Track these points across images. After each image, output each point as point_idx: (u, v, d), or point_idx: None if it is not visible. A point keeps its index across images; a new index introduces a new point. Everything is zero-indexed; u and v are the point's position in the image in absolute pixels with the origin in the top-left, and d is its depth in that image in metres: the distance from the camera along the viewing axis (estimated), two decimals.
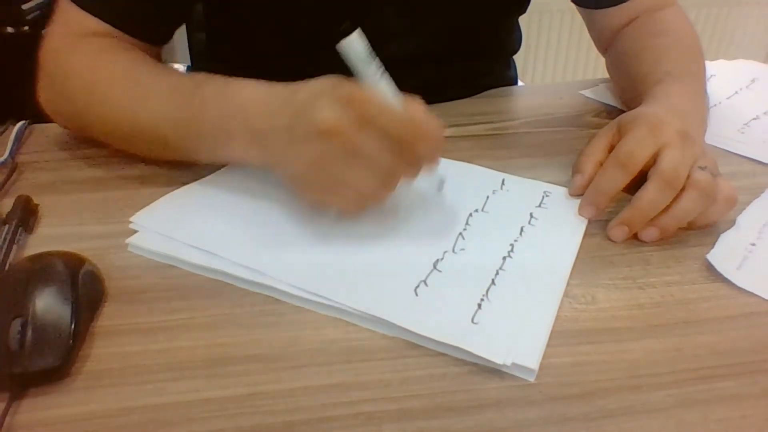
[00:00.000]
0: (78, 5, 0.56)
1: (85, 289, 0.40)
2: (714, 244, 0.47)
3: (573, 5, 0.73)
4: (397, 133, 0.41)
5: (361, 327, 0.39)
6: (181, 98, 0.51)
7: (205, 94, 0.49)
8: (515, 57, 0.86)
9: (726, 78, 0.76)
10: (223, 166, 0.54)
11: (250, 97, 0.47)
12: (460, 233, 0.47)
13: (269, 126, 0.45)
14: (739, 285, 0.43)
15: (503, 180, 0.54)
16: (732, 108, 0.69)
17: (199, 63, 0.97)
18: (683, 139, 0.47)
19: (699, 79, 0.61)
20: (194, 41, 0.98)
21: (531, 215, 0.49)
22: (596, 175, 0.49)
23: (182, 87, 0.52)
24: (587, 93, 0.72)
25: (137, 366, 0.37)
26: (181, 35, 1.06)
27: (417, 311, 0.39)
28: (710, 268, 0.45)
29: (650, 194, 0.46)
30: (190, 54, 1.00)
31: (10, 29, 1.14)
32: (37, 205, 0.50)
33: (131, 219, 0.46)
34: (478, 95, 0.72)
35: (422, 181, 0.46)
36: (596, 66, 1.86)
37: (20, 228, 0.46)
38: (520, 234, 0.47)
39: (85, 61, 0.55)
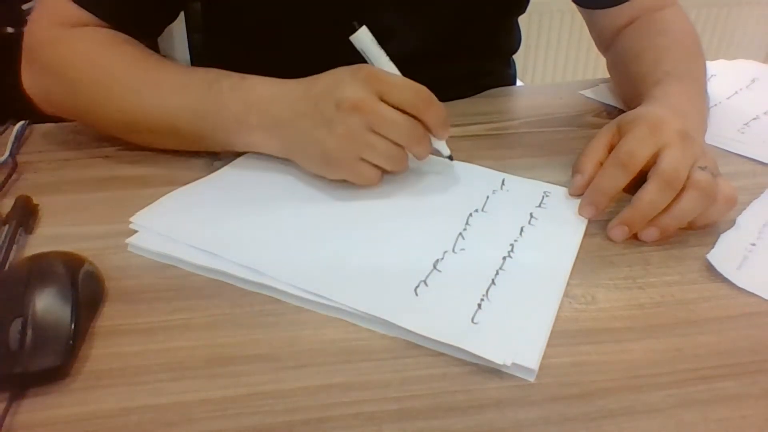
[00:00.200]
0: None
1: (85, 289, 0.39)
2: (714, 244, 0.47)
3: (573, 5, 0.73)
4: (411, 103, 0.48)
5: (361, 327, 0.39)
6: (197, 90, 0.53)
7: (222, 87, 0.52)
8: (515, 57, 0.86)
9: (726, 78, 0.76)
10: (223, 166, 0.55)
11: (268, 90, 0.51)
12: (460, 233, 0.47)
13: (292, 115, 0.50)
14: (739, 285, 0.43)
15: (503, 180, 0.54)
16: (732, 108, 0.69)
17: (199, 63, 0.97)
18: (683, 139, 0.47)
19: (699, 79, 0.61)
20: (194, 41, 0.98)
21: (531, 215, 0.49)
22: (596, 174, 0.49)
23: (197, 79, 0.53)
24: (587, 93, 0.72)
25: (137, 366, 0.37)
26: (180, 35, 1.06)
27: (417, 311, 0.39)
28: (710, 268, 0.45)
29: (650, 194, 0.46)
30: (190, 54, 1.00)
31: (10, 29, 1.14)
32: (37, 205, 0.50)
33: (131, 219, 0.46)
34: (478, 95, 0.72)
35: (435, 161, 0.53)
36: (596, 66, 1.86)
37: (20, 228, 0.46)
38: (520, 234, 0.47)
39: (87, 52, 0.55)
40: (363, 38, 0.50)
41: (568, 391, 0.35)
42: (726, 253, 0.46)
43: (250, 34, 0.70)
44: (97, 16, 0.57)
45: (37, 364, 0.35)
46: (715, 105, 0.69)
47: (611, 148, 0.50)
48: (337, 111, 0.47)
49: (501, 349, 0.37)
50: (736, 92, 0.72)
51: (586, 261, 0.45)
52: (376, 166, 0.50)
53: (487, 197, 0.52)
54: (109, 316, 0.40)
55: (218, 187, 0.52)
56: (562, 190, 0.53)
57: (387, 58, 0.50)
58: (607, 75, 0.74)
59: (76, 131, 0.61)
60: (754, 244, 0.47)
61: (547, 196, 0.52)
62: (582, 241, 0.47)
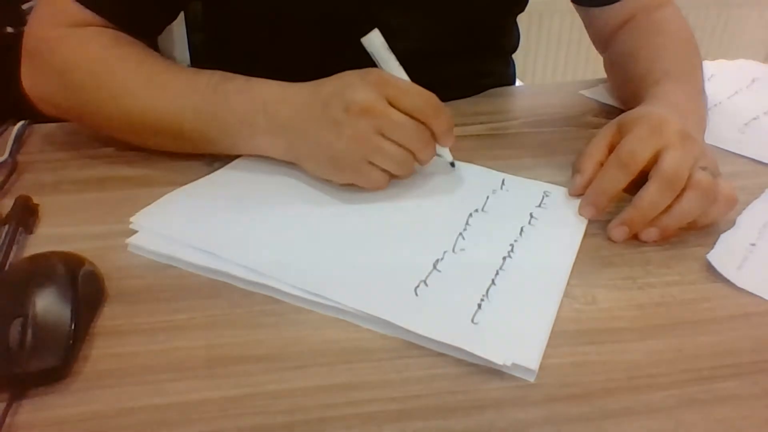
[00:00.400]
0: None
1: (85, 290, 0.39)
2: (714, 244, 0.47)
3: (572, 5, 0.73)
4: (420, 109, 0.48)
5: (361, 327, 0.39)
6: (202, 92, 0.52)
7: (228, 90, 0.52)
8: (515, 56, 0.86)
9: (726, 78, 0.76)
10: (223, 166, 0.54)
11: (274, 93, 0.51)
12: (460, 233, 0.47)
13: (298, 118, 0.49)
14: (739, 285, 0.43)
15: (503, 180, 0.54)
16: (732, 108, 0.69)
17: (199, 63, 0.97)
18: (684, 139, 0.47)
19: (697, 77, 0.61)
20: (194, 41, 0.98)
21: (531, 215, 0.49)
22: (597, 175, 0.49)
23: (202, 82, 0.53)
24: (587, 93, 0.72)
25: (137, 366, 0.37)
26: (181, 35, 1.06)
27: (417, 311, 0.39)
28: (710, 268, 0.45)
29: (651, 195, 0.46)
30: (190, 54, 1.00)
31: (10, 29, 1.14)
32: (37, 205, 0.50)
33: (131, 219, 0.46)
34: (478, 95, 0.72)
35: (435, 163, 0.52)
36: (596, 66, 1.84)
37: (20, 228, 0.46)
38: (520, 234, 0.47)
39: (90, 53, 0.55)
40: (374, 41, 0.49)
41: (568, 392, 0.35)
42: (726, 254, 0.46)
43: (250, 35, 0.70)
44: (97, 14, 0.57)
45: (37, 364, 0.35)
46: (715, 105, 0.69)
47: (611, 148, 0.50)
48: (346, 114, 0.47)
49: (501, 349, 0.37)
50: (737, 92, 0.72)
51: (586, 261, 0.45)
52: (383, 170, 0.49)
53: (487, 197, 0.52)
54: (109, 317, 0.40)
55: (218, 187, 0.52)
56: (562, 190, 0.53)
57: (397, 63, 0.50)
58: None
59: (76, 131, 0.61)
60: (754, 245, 0.47)
61: (547, 196, 0.52)
62: (582, 241, 0.47)
